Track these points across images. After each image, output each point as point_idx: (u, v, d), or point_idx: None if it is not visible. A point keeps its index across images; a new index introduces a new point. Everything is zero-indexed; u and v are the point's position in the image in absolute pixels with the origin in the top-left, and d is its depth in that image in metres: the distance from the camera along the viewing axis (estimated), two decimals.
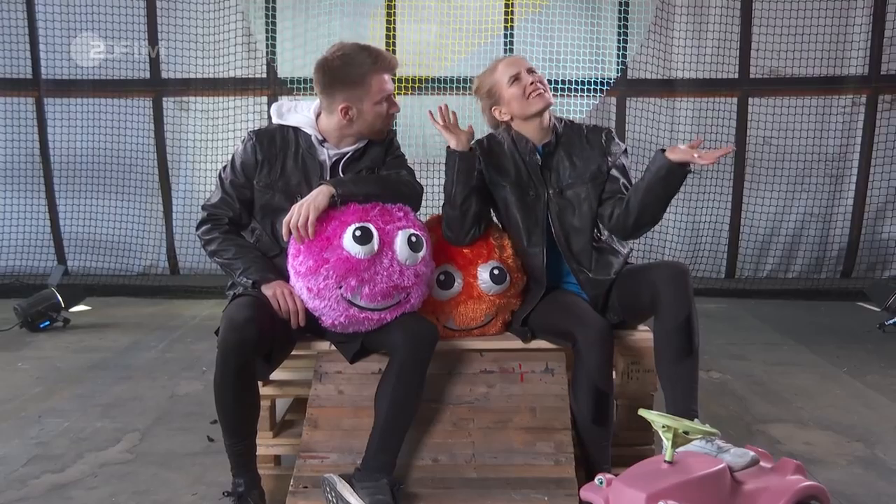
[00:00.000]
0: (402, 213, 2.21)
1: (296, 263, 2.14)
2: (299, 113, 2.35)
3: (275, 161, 2.31)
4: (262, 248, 2.30)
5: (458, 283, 2.34)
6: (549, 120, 2.46)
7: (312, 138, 2.31)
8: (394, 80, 2.35)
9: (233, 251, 2.25)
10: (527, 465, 2.11)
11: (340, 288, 2.09)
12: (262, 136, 2.34)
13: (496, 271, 2.34)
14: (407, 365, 2.09)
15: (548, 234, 2.40)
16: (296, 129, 2.34)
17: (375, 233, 2.11)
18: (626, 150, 2.48)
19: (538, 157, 2.43)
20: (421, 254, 2.17)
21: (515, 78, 2.40)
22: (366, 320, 2.15)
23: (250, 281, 2.19)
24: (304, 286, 2.13)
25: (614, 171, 2.41)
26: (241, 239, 2.32)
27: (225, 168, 2.34)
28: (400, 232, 2.15)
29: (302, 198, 2.20)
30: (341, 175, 2.30)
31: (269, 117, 2.45)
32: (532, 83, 2.38)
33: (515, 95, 2.40)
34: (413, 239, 2.16)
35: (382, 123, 2.33)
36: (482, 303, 2.34)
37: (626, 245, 2.47)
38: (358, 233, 2.09)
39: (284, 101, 2.44)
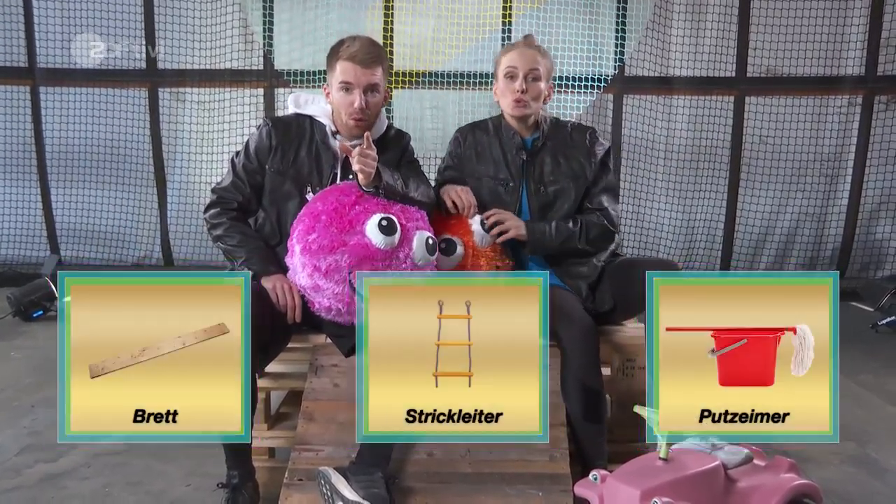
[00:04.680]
0: (419, 215, 2.24)
1: (309, 239, 2.12)
2: (317, 104, 2.37)
3: (288, 148, 2.32)
4: (263, 236, 2.31)
5: (460, 248, 2.36)
6: (533, 119, 2.44)
7: (327, 129, 2.33)
8: (389, 77, 2.35)
9: (237, 239, 2.25)
10: (522, 460, 2.11)
11: (350, 273, 2.08)
12: (278, 122, 2.36)
13: (485, 221, 2.38)
14: None
15: None
16: (312, 120, 2.35)
17: (399, 226, 2.12)
18: (609, 149, 2.45)
19: (524, 152, 2.42)
20: (433, 258, 2.20)
21: (511, 76, 2.37)
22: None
23: (251, 272, 2.17)
24: (309, 263, 2.11)
25: (595, 186, 2.41)
26: (247, 227, 2.32)
27: (238, 153, 2.35)
28: (418, 232, 2.17)
29: (312, 188, 2.24)
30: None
31: (265, 109, 2.45)
32: (520, 91, 2.34)
33: (503, 89, 2.39)
34: (430, 241, 2.18)
35: (346, 115, 2.29)
36: (480, 260, 2.37)
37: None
38: (384, 223, 2.09)
39: (302, 94, 2.44)
